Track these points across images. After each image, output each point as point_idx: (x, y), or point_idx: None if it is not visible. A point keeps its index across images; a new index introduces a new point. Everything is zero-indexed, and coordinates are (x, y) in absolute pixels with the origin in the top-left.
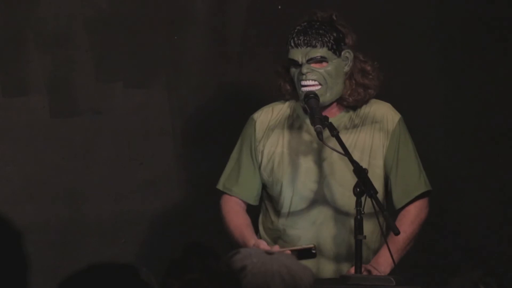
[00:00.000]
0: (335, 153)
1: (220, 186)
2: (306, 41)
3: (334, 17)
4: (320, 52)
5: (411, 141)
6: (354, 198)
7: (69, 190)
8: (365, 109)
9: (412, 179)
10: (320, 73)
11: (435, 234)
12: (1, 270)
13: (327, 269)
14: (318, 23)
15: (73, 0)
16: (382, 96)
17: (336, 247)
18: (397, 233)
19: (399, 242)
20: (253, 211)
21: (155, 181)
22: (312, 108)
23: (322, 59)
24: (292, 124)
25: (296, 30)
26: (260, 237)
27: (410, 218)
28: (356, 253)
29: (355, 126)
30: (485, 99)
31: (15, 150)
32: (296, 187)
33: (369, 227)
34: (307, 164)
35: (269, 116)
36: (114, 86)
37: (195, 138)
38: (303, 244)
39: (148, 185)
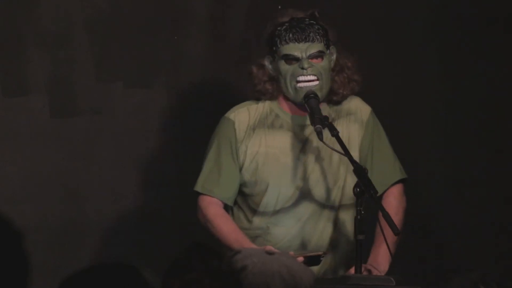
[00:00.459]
0: (317, 149)
1: (198, 188)
2: (305, 36)
3: (316, 14)
4: (318, 47)
5: (383, 131)
6: (336, 191)
7: (69, 190)
8: (342, 103)
9: (387, 167)
10: (318, 68)
11: (435, 234)
12: (1, 270)
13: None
14: (307, 19)
15: (73, 0)
16: (382, 95)
17: (320, 242)
18: (397, 232)
19: (391, 236)
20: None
21: (155, 181)
22: (312, 108)
23: (320, 54)
24: (273, 123)
25: (287, 26)
26: None
27: (394, 210)
28: (356, 253)
29: (333, 120)
30: (485, 99)
31: (15, 150)
32: (282, 186)
33: (351, 223)
34: (291, 162)
35: (247, 116)
36: (114, 86)
37: (195, 138)
38: (285, 245)
39: (148, 185)
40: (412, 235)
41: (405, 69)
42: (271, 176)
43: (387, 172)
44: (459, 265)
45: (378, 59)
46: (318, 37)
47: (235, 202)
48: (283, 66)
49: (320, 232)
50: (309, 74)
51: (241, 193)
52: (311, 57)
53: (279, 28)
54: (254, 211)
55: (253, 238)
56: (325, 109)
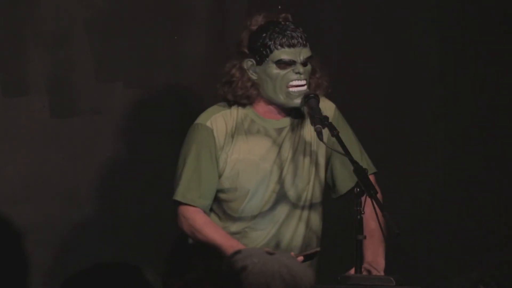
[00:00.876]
0: (292, 150)
1: (179, 197)
2: (297, 41)
3: (290, 18)
4: (309, 51)
5: (348, 126)
6: (307, 191)
7: (69, 190)
8: None
9: None
10: (307, 72)
11: (435, 234)
12: (1, 270)
13: None
14: (291, 23)
15: (73, 0)
16: (382, 95)
17: (294, 241)
18: (397, 233)
19: (377, 232)
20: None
21: (155, 181)
22: (312, 108)
23: (310, 59)
24: (249, 129)
25: (276, 31)
26: None
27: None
28: (356, 253)
29: (301, 121)
30: (485, 98)
31: (15, 150)
32: (261, 191)
33: (319, 216)
34: (270, 167)
35: (224, 123)
36: (114, 86)
37: None
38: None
39: (148, 185)
40: (412, 235)
41: (405, 69)
42: (251, 183)
43: None
44: (459, 265)
45: (378, 59)
46: (306, 41)
47: (212, 209)
48: (274, 70)
49: (293, 232)
50: (303, 79)
51: (216, 198)
52: (304, 62)
53: (268, 33)
54: (232, 217)
55: None
56: (292, 111)
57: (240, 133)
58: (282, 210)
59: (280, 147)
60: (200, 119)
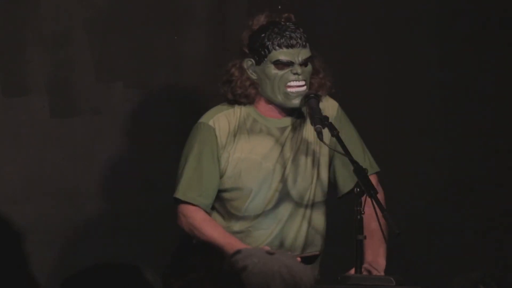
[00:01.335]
0: (295, 149)
1: (180, 195)
2: (296, 42)
3: (292, 18)
4: (308, 52)
5: (352, 125)
6: (310, 190)
7: (69, 190)
8: None
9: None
10: (307, 73)
11: (435, 234)
12: (1, 270)
13: None
14: (292, 23)
15: (73, 0)
16: (382, 95)
17: (297, 240)
18: (397, 233)
19: (378, 232)
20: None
21: (155, 181)
22: (312, 108)
23: (309, 59)
24: (251, 128)
25: (275, 31)
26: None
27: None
28: (356, 253)
29: (303, 121)
30: (486, 98)
31: (15, 150)
32: (264, 190)
33: (323, 216)
34: (273, 166)
35: (226, 122)
36: (114, 86)
37: None
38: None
39: (148, 185)
40: (412, 235)
41: (405, 69)
42: (253, 182)
43: None
44: (459, 265)
45: (378, 59)
46: (306, 41)
47: (213, 207)
48: (272, 70)
49: (297, 231)
50: (301, 80)
51: (220, 198)
52: (303, 62)
53: (267, 33)
54: (235, 216)
55: None
56: (294, 112)
57: (242, 132)
58: (285, 209)
59: (282, 146)
60: (203, 118)
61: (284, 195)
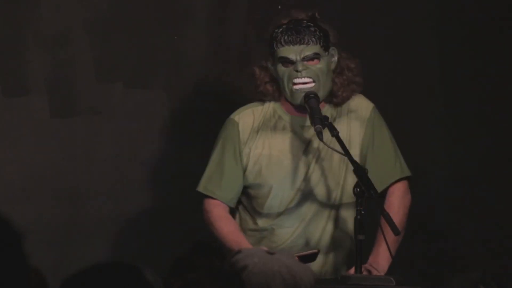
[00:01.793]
0: (318, 149)
1: (201, 189)
2: (299, 39)
3: (317, 15)
4: (314, 49)
5: (386, 128)
6: (337, 190)
7: (69, 190)
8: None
9: (387, 165)
10: (313, 70)
11: (435, 234)
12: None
13: (315, 263)
14: (305, 21)
15: (73, 0)
16: (381, 95)
17: (322, 241)
18: (397, 233)
19: (391, 235)
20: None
21: (155, 181)
22: (312, 108)
23: (315, 56)
24: (276, 125)
25: (284, 29)
26: None
27: (394, 209)
28: (356, 253)
29: (334, 120)
30: (486, 98)
31: (15, 150)
32: (285, 188)
33: (351, 217)
34: (294, 163)
35: (251, 118)
36: (114, 86)
37: (195, 138)
38: (289, 245)
39: (148, 185)
40: (412, 235)
41: (405, 68)
42: (274, 179)
43: (387, 170)
44: (460, 265)
45: (378, 59)
46: (313, 39)
47: (241, 204)
48: (280, 68)
49: (322, 231)
50: (304, 77)
51: (246, 194)
52: (306, 59)
53: (276, 31)
54: (259, 213)
55: (260, 239)
56: (328, 110)
57: (265, 129)
58: (309, 208)
59: (307, 144)
60: (232, 114)
61: (307, 194)
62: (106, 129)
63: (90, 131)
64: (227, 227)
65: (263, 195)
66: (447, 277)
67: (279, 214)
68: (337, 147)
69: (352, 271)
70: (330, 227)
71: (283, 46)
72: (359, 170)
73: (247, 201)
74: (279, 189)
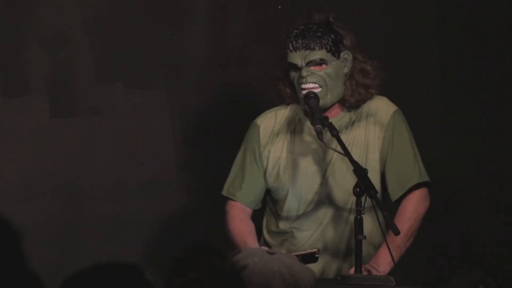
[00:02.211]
0: (335, 153)
1: (224, 192)
2: (304, 44)
3: (331, 19)
4: (318, 54)
5: (407, 132)
6: (353, 195)
7: (69, 190)
8: (362, 106)
9: (406, 170)
10: (320, 75)
11: (435, 234)
12: (1, 270)
13: (332, 267)
14: (315, 26)
15: (73, 0)
16: (381, 95)
17: (340, 245)
18: (397, 233)
19: (396, 240)
20: (258, 215)
21: (155, 181)
22: (312, 108)
23: (321, 62)
24: (295, 128)
25: (294, 34)
26: (264, 241)
27: (407, 215)
28: (356, 253)
29: (353, 124)
30: (486, 98)
31: (15, 150)
32: (302, 191)
33: (371, 223)
34: (311, 167)
35: (273, 121)
36: (114, 86)
37: (195, 138)
38: (307, 248)
39: (148, 185)
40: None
41: (405, 68)
42: (291, 182)
43: (405, 176)
44: (459, 265)
45: (378, 59)
46: (319, 44)
47: (268, 206)
48: (291, 73)
49: (340, 235)
50: (309, 82)
51: (270, 198)
52: (311, 64)
53: (289, 36)
54: (280, 216)
55: (282, 241)
56: (346, 114)
57: (285, 132)
58: (326, 212)
59: (324, 148)
60: (257, 117)
61: (324, 198)
62: (106, 129)
63: (90, 131)
64: (239, 228)
65: (282, 198)
66: (447, 277)
67: (298, 217)
68: (356, 147)
69: (352, 271)
70: (347, 231)
71: (291, 51)
72: (359, 170)
73: (271, 204)
74: (295, 192)
